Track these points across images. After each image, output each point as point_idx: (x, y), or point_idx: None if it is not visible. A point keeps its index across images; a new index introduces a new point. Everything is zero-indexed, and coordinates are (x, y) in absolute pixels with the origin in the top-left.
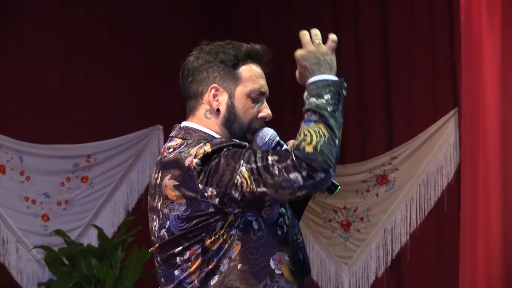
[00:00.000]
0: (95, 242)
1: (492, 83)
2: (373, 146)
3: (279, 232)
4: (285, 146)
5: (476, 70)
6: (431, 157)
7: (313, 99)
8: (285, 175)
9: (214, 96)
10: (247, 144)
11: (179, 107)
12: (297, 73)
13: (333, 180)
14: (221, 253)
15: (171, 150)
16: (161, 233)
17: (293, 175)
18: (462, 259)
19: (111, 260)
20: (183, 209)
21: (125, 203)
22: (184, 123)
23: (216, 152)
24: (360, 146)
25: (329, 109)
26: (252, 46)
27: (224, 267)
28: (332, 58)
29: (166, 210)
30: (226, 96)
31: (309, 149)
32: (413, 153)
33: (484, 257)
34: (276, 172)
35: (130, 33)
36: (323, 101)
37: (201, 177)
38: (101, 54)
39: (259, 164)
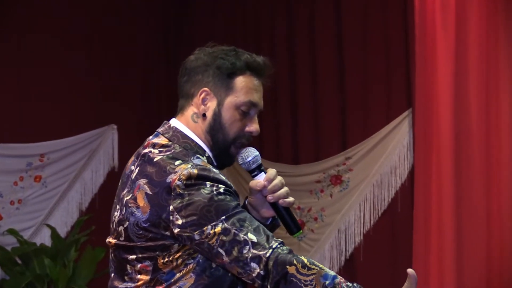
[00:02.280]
0: (48, 242)
1: (445, 84)
2: (327, 147)
3: (230, 274)
4: (262, 175)
5: (430, 71)
6: (385, 158)
7: None
8: (248, 259)
9: (203, 100)
10: (232, 186)
11: (133, 106)
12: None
13: (297, 221)
14: (172, 280)
15: (156, 151)
16: (119, 229)
17: (254, 265)
18: (415, 259)
19: (64, 260)
20: (144, 219)
21: (79, 202)
22: (173, 122)
23: (201, 179)
24: (314, 147)
25: None
26: (254, 57)
27: None
28: None
29: (129, 210)
30: (215, 103)
31: (291, 270)
32: (367, 153)
33: (436, 257)
34: (244, 251)
35: (84, 33)
36: None
37: (177, 201)
38: (55, 53)
39: (236, 232)
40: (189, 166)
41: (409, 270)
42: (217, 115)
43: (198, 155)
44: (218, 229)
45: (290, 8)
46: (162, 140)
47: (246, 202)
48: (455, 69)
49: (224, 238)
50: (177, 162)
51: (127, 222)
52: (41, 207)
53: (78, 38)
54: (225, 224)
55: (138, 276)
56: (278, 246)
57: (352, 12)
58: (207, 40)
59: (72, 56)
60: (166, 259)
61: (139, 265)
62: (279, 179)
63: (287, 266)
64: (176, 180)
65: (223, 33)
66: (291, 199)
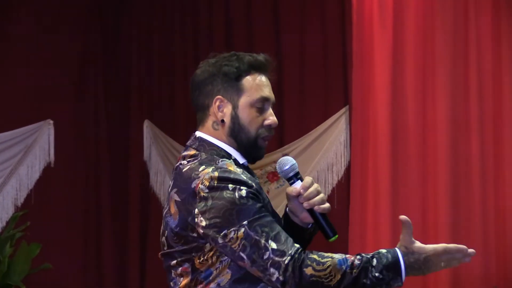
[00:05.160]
0: None
1: (382, 81)
2: None
3: None
4: (299, 182)
5: (367, 69)
6: (322, 155)
7: (384, 273)
8: (268, 265)
9: (219, 107)
10: (254, 185)
11: (70, 102)
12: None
13: (333, 226)
14: (210, 278)
15: (185, 162)
16: (162, 240)
17: (273, 271)
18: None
19: None
20: (175, 225)
21: (14, 198)
22: (198, 133)
23: (222, 180)
24: None
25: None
26: (255, 57)
27: None
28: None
29: (166, 220)
30: (230, 107)
31: (308, 271)
32: (304, 150)
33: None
34: (265, 257)
35: (20, 25)
36: (379, 277)
37: (201, 204)
38: None
39: (257, 238)
40: (211, 170)
41: (402, 217)
42: (234, 118)
43: (224, 159)
44: (240, 233)
45: (227, 7)
46: (191, 151)
47: (287, 209)
48: (392, 67)
49: (246, 243)
50: (201, 168)
51: (166, 231)
52: None
53: (14, 32)
54: (247, 229)
55: (181, 279)
56: (295, 252)
57: (290, 9)
58: (144, 34)
59: (7, 50)
60: (202, 259)
61: (180, 268)
62: (315, 186)
63: (304, 269)
64: (200, 184)
65: (160, 26)
66: (326, 205)
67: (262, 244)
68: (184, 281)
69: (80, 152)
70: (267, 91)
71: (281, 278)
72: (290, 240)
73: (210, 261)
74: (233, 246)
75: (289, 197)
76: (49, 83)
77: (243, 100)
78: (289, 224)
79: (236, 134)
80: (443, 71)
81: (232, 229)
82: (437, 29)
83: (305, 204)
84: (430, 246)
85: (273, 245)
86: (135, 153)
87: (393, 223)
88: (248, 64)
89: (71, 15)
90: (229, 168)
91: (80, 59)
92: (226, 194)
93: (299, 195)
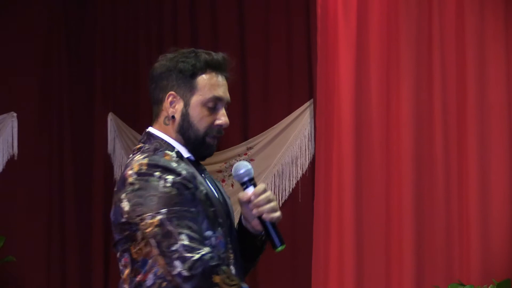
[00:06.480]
0: None
1: (346, 75)
2: (229, 136)
3: None
4: (251, 188)
5: (332, 63)
6: (286, 148)
7: None
8: (174, 256)
9: (171, 103)
10: (183, 173)
11: (33, 94)
12: None
13: (281, 235)
14: (146, 267)
15: (131, 155)
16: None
17: (177, 263)
18: (315, 249)
19: None
20: (112, 214)
21: None
22: (149, 129)
23: (151, 167)
24: None
25: None
26: (212, 56)
27: (150, 282)
28: None
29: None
30: (181, 104)
31: (216, 280)
32: (269, 143)
33: (336, 246)
34: (173, 248)
35: None
36: None
37: (129, 189)
38: None
39: (170, 229)
40: (142, 157)
41: None
42: (184, 115)
43: (167, 151)
44: (155, 220)
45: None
46: (138, 145)
47: (241, 217)
48: (356, 61)
49: (158, 230)
50: (136, 157)
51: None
52: None
53: None
54: (163, 217)
55: (124, 270)
56: (207, 253)
57: (255, 3)
58: (109, 27)
59: None
60: (137, 248)
61: (122, 259)
62: (266, 194)
63: (213, 275)
64: (129, 171)
65: (125, 20)
66: (276, 214)
67: (174, 236)
68: (126, 272)
69: (44, 145)
70: (221, 91)
71: (185, 273)
72: (203, 240)
73: (144, 250)
74: (146, 230)
75: (240, 202)
76: (12, 75)
77: (195, 99)
78: (241, 230)
79: (184, 131)
80: (407, 65)
81: (149, 214)
82: (402, 23)
83: (254, 211)
84: None
85: (185, 239)
86: (99, 146)
87: (357, 216)
88: (205, 62)
89: (34, 9)
90: (164, 157)
91: (44, 52)
92: (152, 180)
93: (250, 201)
